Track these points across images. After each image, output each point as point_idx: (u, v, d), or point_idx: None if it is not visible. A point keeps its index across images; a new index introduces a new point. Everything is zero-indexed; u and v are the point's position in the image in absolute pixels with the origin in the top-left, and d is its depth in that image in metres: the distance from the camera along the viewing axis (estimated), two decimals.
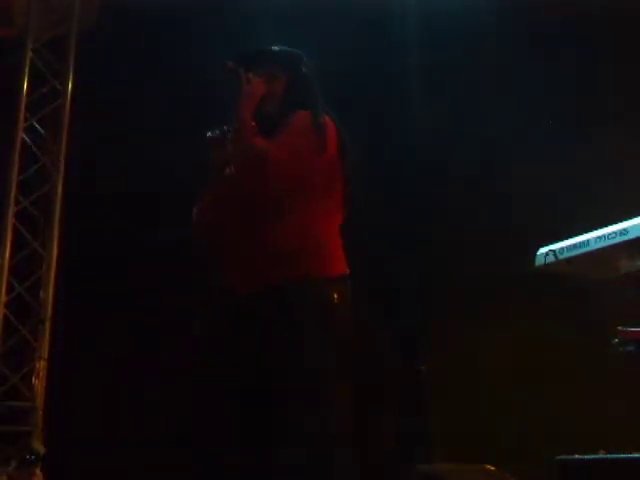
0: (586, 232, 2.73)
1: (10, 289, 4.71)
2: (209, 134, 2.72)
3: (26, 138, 4.84)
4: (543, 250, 2.83)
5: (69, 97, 4.94)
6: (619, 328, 2.75)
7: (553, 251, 2.77)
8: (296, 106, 2.62)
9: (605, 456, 2.70)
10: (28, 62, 4.91)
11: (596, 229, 2.70)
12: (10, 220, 4.72)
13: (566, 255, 2.75)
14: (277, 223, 2.55)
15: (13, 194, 4.75)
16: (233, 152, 2.65)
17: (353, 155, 2.68)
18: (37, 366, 4.57)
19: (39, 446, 4.38)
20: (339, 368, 2.48)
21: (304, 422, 2.38)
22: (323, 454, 2.38)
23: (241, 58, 2.71)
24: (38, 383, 4.53)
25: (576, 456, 2.77)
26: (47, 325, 4.63)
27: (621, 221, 2.64)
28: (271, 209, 2.56)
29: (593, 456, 2.73)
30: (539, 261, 2.83)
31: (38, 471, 4.23)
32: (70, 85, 4.94)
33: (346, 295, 2.59)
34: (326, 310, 2.49)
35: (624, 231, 2.60)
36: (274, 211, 2.56)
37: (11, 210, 4.74)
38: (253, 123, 2.58)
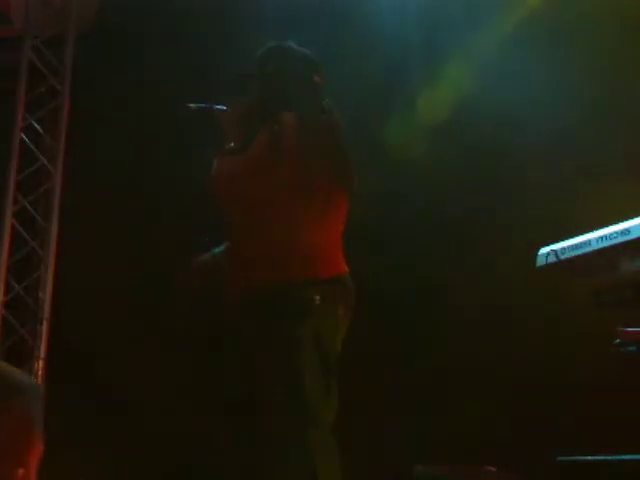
0: (588, 232, 2.72)
1: (8, 289, 4.70)
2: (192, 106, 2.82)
3: (25, 137, 4.83)
4: (544, 250, 2.82)
5: (68, 96, 4.93)
6: (620, 328, 2.74)
7: (554, 251, 2.76)
8: (277, 108, 2.67)
9: (605, 457, 2.69)
10: (27, 61, 4.89)
11: (598, 229, 2.69)
12: (9, 220, 4.72)
13: (567, 255, 2.74)
14: (259, 231, 2.59)
15: (12, 193, 4.74)
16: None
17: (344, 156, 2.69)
18: (35, 366, 4.56)
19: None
20: (320, 367, 2.49)
21: (285, 422, 2.40)
22: (307, 452, 2.39)
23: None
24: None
25: (576, 457, 2.76)
26: (45, 325, 4.62)
27: (623, 221, 2.63)
28: (249, 219, 2.61)
29: (593, 457, 2.71)
30: (540, 261, 2.82)
31: None
32: (69, 84, 4.93)
33: (332, 296, 2.59)
34: (304, 311, 2.51)
35: (626, 231, 2.58)
36: (252, 220, 2.60)
37: (10, 209, 4.73)
38: (230, 145, 2.67)
